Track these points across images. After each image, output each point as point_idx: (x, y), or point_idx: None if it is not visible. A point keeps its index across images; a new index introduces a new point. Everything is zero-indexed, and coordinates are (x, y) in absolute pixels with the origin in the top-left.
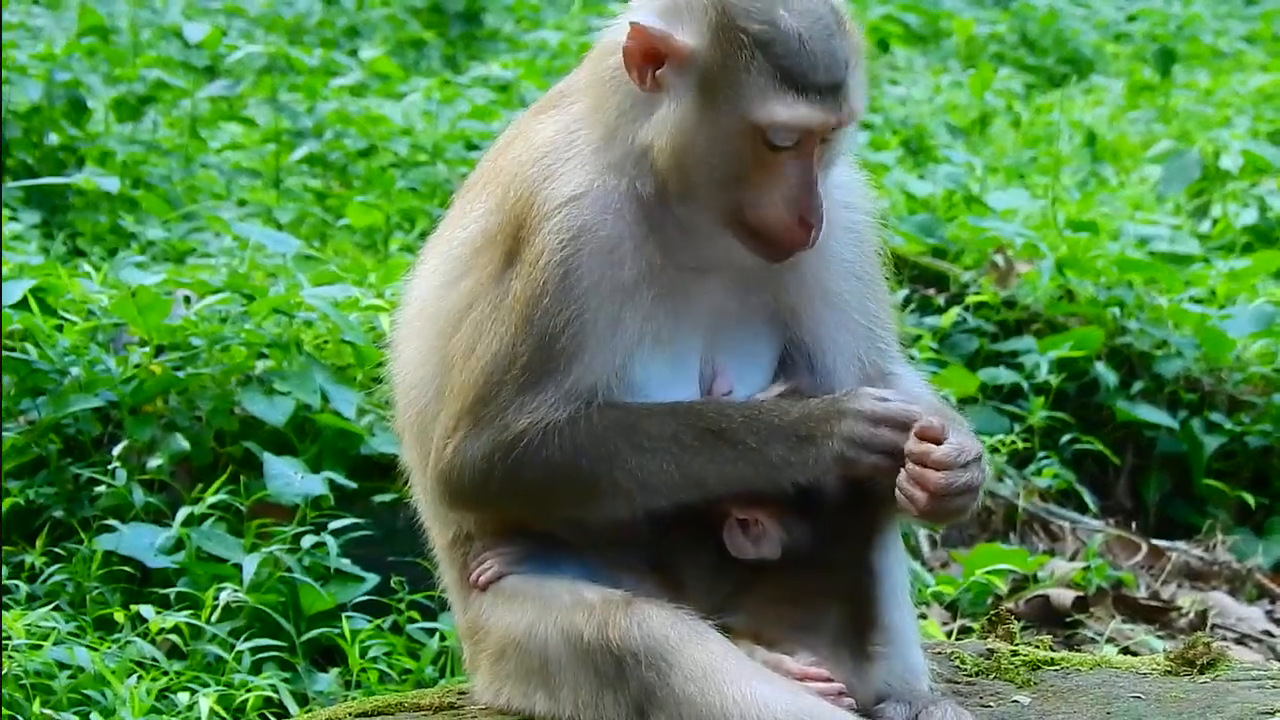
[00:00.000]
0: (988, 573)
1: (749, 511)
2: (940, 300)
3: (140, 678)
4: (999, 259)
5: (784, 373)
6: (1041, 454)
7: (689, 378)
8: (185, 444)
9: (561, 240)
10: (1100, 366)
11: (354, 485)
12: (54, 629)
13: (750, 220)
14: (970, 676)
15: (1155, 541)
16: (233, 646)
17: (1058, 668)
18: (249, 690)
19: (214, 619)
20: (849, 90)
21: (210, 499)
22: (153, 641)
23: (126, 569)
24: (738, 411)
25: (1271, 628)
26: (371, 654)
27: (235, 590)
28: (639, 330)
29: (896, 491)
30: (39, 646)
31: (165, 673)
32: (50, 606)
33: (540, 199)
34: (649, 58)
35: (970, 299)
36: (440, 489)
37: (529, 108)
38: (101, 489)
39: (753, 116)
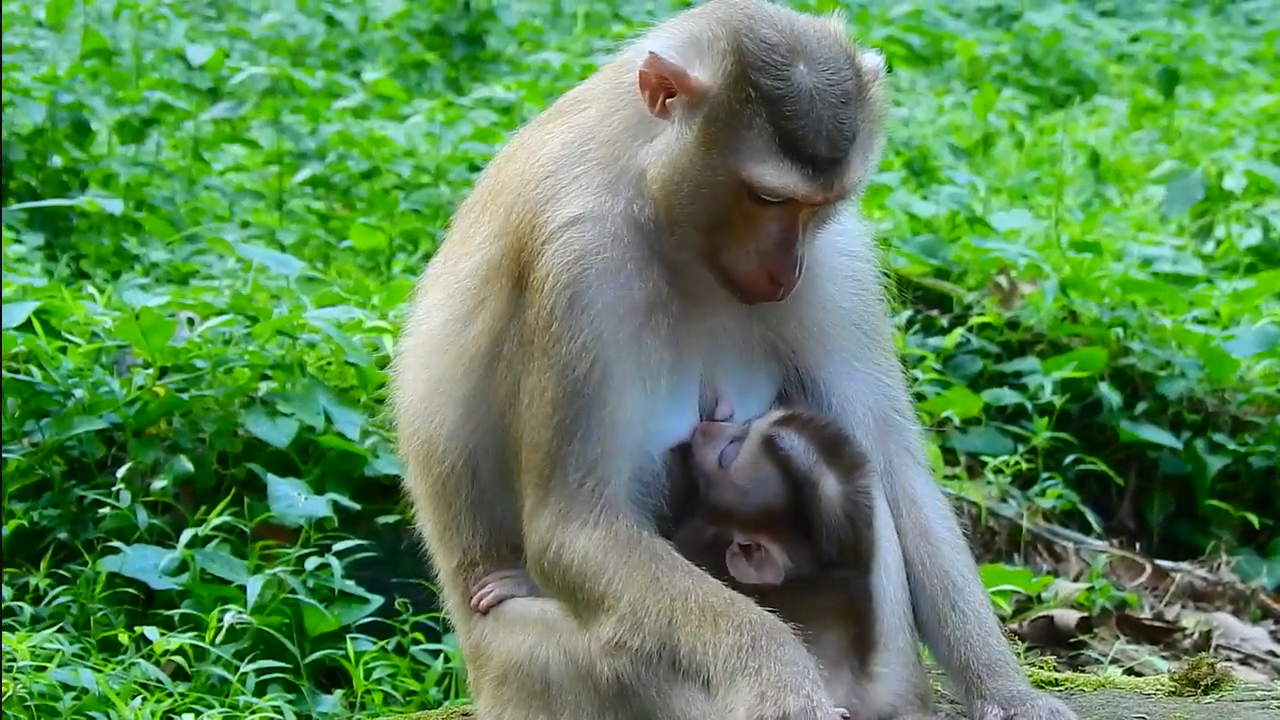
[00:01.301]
0: (992, 594)
1: (752, 537)
2: (944, 321)
3: (144, 699)
4: (1002, 280)
5: (784, 405)
6: (1045, 475)
7: (690, 403)
8: (189, 466)
9: (565, 262)
10: (1104, 387)
11: (358, 507)
12: (58, 651)
13: (723, 264)
14: None
15: (1159, 562)
16: (237, 668)
17: (1062, 688)
18: (253, 712)
19: (218, 640)
20: (848, 166)
21: (214, 521)
22: (157, 663)
23: (130, 591)
24: (748, 611)
25: (1276, 648)
26: (376, 676)
27: (239, 612)
28: (662, 355)
29: None
30: (43, 668)
31: (169, 694)
32: (54, 628)
33: (541, 221)
34: (662, 85)
35: (974, 320)
36: (529, 559)
37: (537, 116)
38: (105, 511)
39: (743, 172)
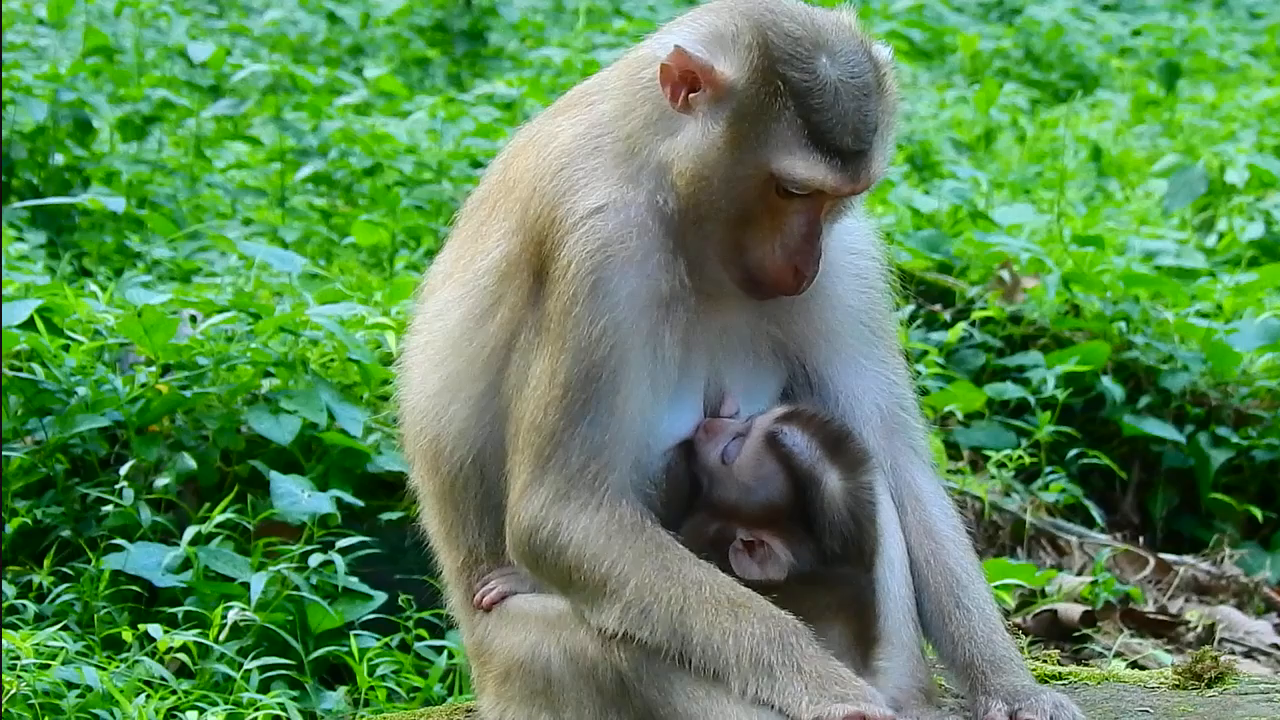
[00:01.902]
0: (995, 588)
1: (754, 533)
2: (946, 316)
3: (149, 697)
4: (1005, 274)
5: (787, 400)
6: (1048, 469)
7: (695, 401)
8: (192, 463)
9: (589, 250)
10: (1106, 381)
11: (361, 503)
12: (62, 649)
13: (746, 258)
14: None
15: (1162, 556)
16: (241, 665)
17: (1066, 682)
18: (257, 709)
19: (222, 638)
20: (872, 157)
21: (217, 518)
22: (161, 660)
23: (134, 588)
24: (768, 606)
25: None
26: (379, 672)
27: (243, 609)
28: (675, 351)
29: None
30: (47, 666)
31: (174, 692)
32: (58, 626)
33: (561, 212)
34: (686, 80)
35: (976, 314)
36: (513, 538)
37: (546, 110)
38: (109, 509)
39: (773, 165)
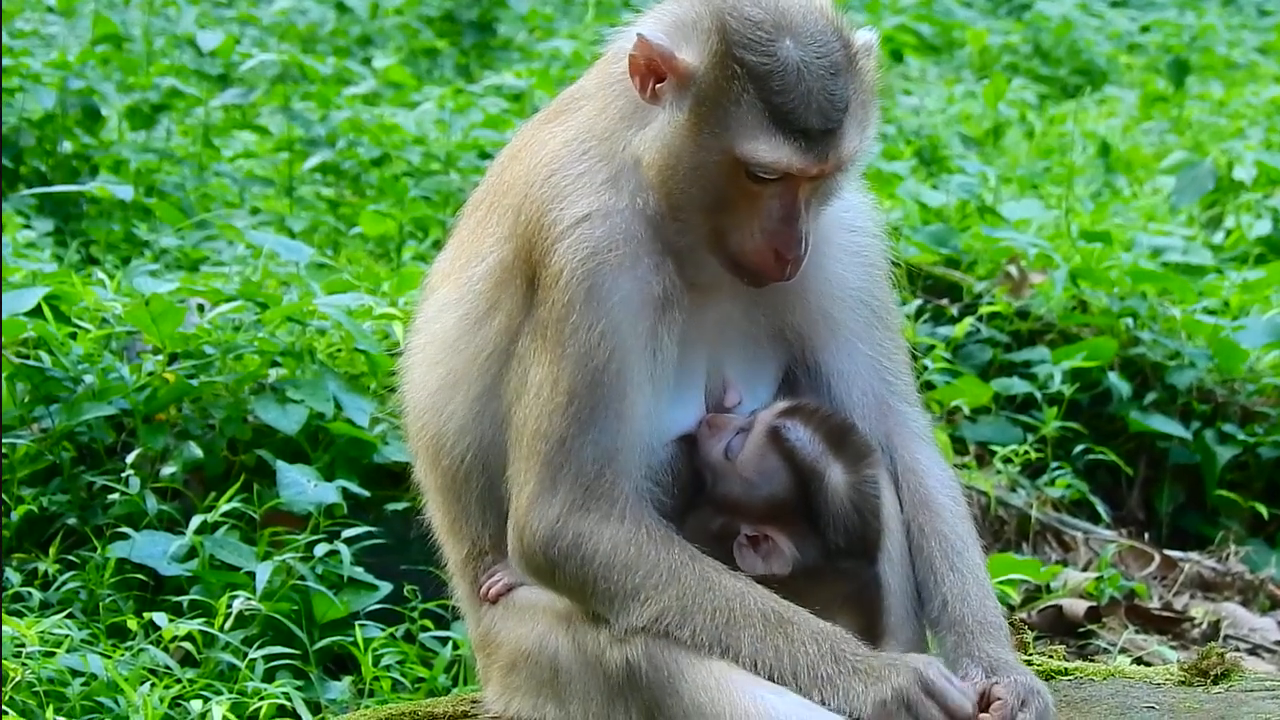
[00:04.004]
0: (1001, 583)
1: (759, 528)
2: (953, 310)
3: (153, 685)
4: (1012, 269)
5: (790, 390)
6: (1054, 464)
7: (696, 395)
8: (198, 452)
9: (580, 257)
10: (1113, 377)
11: (367, 493)
12: (67, 636)
13: (729, 247)
14: None
15: (1168, 552)
16: (246, 654)
17: (1071, 678)
18: (262, 698)
19: (227, 627)
20: (842, 136)
21: (223, 507)
22: (166, 649)
23: (139, 577)
24: (812, 620)
25: None
26: (384, 662)
27: (248, 598)
28: (674, 351)
29: None
30: (52, 654)
31: (178, 680)
32: (63, 614)
33: (550, 219)
34: (652, 70)
35: (983, 309)
36: (523, 548)
37: (538, 114)
38: (115, 497)
39: (737, 150)
